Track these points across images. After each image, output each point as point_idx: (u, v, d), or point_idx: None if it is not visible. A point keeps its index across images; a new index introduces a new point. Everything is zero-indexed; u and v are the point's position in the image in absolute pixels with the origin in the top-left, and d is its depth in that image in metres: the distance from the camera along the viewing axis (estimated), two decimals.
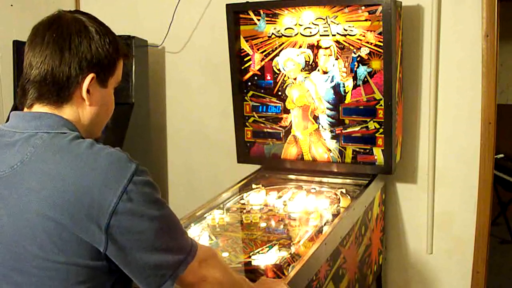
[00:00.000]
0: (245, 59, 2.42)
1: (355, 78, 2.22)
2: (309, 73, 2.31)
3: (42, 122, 1.06)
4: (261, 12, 2.32)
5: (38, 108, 1.08)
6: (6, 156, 1.04)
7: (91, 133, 1.15)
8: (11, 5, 2.81)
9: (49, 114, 1.07)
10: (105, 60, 1.10)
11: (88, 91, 1.08)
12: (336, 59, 2.24)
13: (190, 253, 1.07)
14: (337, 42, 2.21)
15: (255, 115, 2.47)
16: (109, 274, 1.03)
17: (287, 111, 2.40)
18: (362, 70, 2.20)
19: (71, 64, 1.05)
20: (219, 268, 1.15)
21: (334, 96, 2.29)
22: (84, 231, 0.97)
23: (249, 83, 2.44)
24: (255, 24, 2.35)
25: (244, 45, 2.40)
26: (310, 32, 2.25)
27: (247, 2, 2.38)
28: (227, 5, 2.37)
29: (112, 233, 0.97)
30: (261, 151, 2.50)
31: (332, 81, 2.27)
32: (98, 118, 1.15)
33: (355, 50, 2.19)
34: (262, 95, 2.43)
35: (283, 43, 2.32)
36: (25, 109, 1.10)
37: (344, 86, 2.25)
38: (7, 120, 1.12)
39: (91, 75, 1.08)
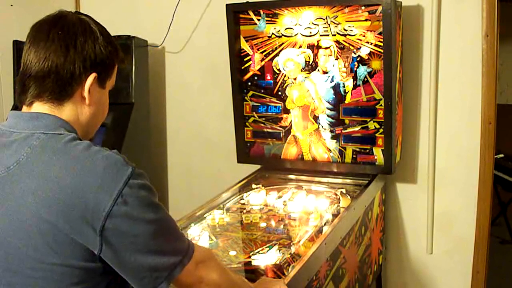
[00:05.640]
0: (245, 59, 2.42)
1: (355, 78, 2.22)
2: (309, 73, 2.31)
3: (39, 123, 1.05)
4: (261, 12, 2.32)
5: (38, 106, 1.08)
6: (3, 156, 1.04)
7: (87, 133, 1.16)
8: (11, 5, 2.81)
9: (47, 114, 1.07)
10: (107, 61, 1.12)
11: (88, 90, 1.09)
12: (336, 59, 2.24)
13: (186, 255, 1.07)
14: (337, 42, 2.21)
15: (255, 115, 2.47)
16: (104, 275, 1.03)
17: (287, 111, 2.40)
18: (362, 70, 2.20)
19: (75, 62, 1.06)
20: (216, 270, 1.15)
21: (334, 96, 2.29)
22: (79, 233, 0.97)
23: (249, 83, 2.44)
24: (255, 24, 2.35)
25: (244, 45, 2.40)
26: (310, 32, 2.25)
27: (247, 2, 2.38)
28: (227, 5, 2.37)
29: (107, 235, 0.97)
30: (261, 151, 2.50)
31: (332, 81, 2.27)
32: (95, 119, 1.15)
33: (355, 50, 2.19)
34: (262, 95, 2.43)
35: (283, 43, 2.32)
36: (24, 107, 1.10)
37: (344, 86, 2.25)
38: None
39: (93, 75, 1.09)
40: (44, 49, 1.05)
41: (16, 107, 1.14)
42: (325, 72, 2.28)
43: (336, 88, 2.27)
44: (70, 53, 1.06)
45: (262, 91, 2.43)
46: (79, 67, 1.06)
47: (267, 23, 2.33)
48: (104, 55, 1.10)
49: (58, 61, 1.05)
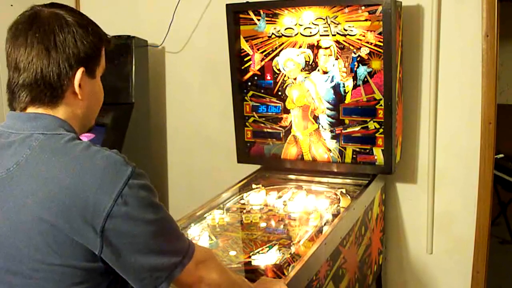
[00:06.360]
0: (245, 59, 2.42)
1: (355, 78, 2.22)
2: (309, 73, 2.31)
3: (38, 123, 1.05)
4: (261, 12, 2.32)
5: (32, 110, 1.07)
6: (2, 158, 1.03)
7: (86, 125, 1.16)
8: (11, 5, 2.81)
9: (45, 115, 1.07)
10: (91, 52, 1.09)
11: (79, 85, 1.08)
12: (336, 59, 2.24)
13: (186, 255, 1.07)
14: (337, 42, 2.21)
15: (255, 115, 2.47)
16: (105, 275, 1.03)
17: (287, 111, 2.40)
18: (362, 70, 2.20)
19: (59, 62, 1.05)
20: (216, 270, 1.15)
21: (334, 96, 2.28)
22: (79, 233, 0.97)
23: (249, 83, 2.44)
24: (255, 24, 2.35)
25: (244, 45, 2.40)
26: (310, 32, 2.25)
27: (247, 2, 2.38)
28: (227, 5, 2.37)
29: (107, 236, 0.97)
30: (261, 151, 2.50)
31: (332, 81, 2.27)
32: (91, 109, 1.15)
33: (355, 50, 2.19)
34: (262, 95, 2.43)
35: (283, 43, 2.32)
36: (18, 112, 1.09)
37: (344, 86, 2.25)
38: None
39: (81, 69, 1.07)
40: (26, 55, 1.04)
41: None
42: (325, 72, 2.28)
43: (336, 88, 2.27)
44: (52, 54, 1.04)
45: (262, 91, 2.43)
46: (65, 66, 1.05)
47: (267, 23, 2.33)
48: (87, 47, 1.08)
49: (42, 65, 1.04)
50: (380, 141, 2.24)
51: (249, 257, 1.67)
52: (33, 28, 1.05)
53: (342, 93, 2.26)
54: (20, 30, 1.06)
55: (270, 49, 2.36)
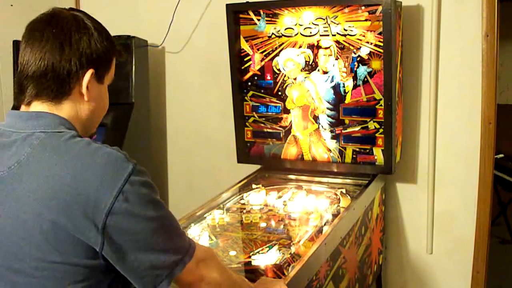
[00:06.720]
0: (245, 59, 2.42)
1: (355, 78, 2.22)
2: (309, 73, 2.31)
3: (39, 122, 1.06)
4: (261, 12, 2.32)
5: (36, 105, 1.08)
6: (4, 157, 1.04)
7: (88, 129, 1.16)
8: (11, 5, 2.81)
9: (46, 113, 1.07)
10: (103, 56, 1.11)
11: (87, 87, 1.09)
12: (336, 59, 2.24)
13: (187, 253, 1.07)
14: (337, 42, 2.21)
15: (255, 115, 2.47)
16: (106, 273, 1.04)
17: (287, 111, 2.40)
18: (362, 70, 2.20)
19: (71, 59, 1.06)
20: (217, 269, 1.15)
21: (334, 96, 2.29)
22: (81, 231, 0.97)
23: (249, 83, 2.44)
24: (255, 24, 2.35)
25: (244, 45, 2.40)
26: (310, 32, 2.25)
27: (247, 2, 2.38)
28: (227, 5, 2.37)
29: (108, 232, 0.97)
30: (261, 151, 2.50)
31: (332, 81, 2.27)
32: (95, 114, 1.16)
33: (355, 50, 2.19)
34: (262, 95, 2.43)
35: (283, 43, 2.32)
36: (23, 107, 1.10)
37: (344, 86, 2.25)
38: None
39: (90, 71, 1.09)
40: (39, 48, 1.05)
41: (17, 107, 1.15)
42: (325, 72, 2.28)
43: (336, 88, 2.27)
44: (65, 51, 1.06)
45: (262, 91, 2.43)
46: (75, 64, 1.06)
47: (267, 23, 2.33)
48: (100, 50, 1.10)
49: (54, 60, 1.05)
50: (380, 141, 2.24)
51: (249, 257, 1.67)
52: (51, 25, 1.07)
53: (342, 93, 2.26)
54: (38, 26, 1.08)
55: (270, 49, 2.36)
